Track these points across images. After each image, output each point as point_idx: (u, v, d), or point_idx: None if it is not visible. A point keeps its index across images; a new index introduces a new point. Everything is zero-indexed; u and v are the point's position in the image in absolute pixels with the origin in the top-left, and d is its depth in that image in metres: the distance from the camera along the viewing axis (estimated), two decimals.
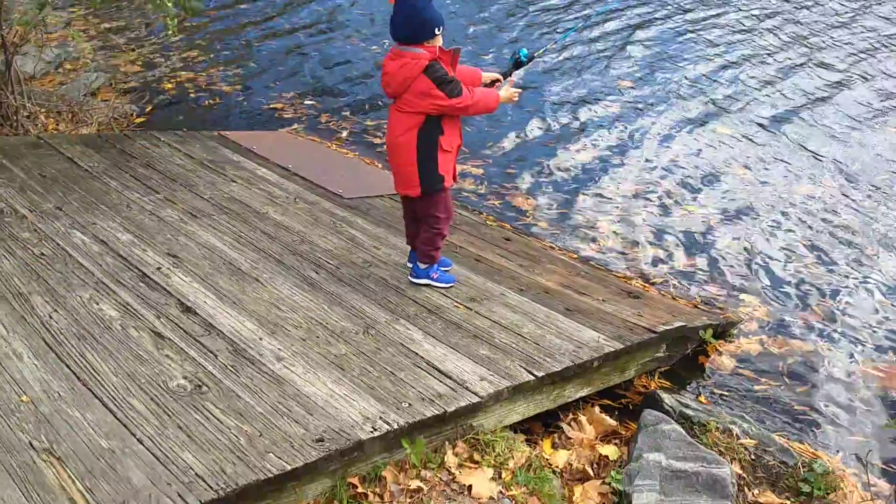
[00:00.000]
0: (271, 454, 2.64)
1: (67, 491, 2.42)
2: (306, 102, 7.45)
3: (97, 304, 3.53)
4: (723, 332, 4.41)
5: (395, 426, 2.92)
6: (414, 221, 4.09)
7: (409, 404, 3.05)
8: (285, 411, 2.89)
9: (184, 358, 3.17)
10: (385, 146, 4.09)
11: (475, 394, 3.19)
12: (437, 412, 3.04)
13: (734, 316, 4.57)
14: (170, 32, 6.73)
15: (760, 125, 7.06)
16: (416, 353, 3.42)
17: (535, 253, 5.00)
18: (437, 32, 3.71)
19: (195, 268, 3.98)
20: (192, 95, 7.53)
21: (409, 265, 4.19)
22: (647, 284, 4.83)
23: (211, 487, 2.46)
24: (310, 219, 4.83)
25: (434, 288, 4.06)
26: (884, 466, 3.56)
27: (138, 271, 3.87)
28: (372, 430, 2.87)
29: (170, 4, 6.29)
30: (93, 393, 2.89)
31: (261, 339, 3.38)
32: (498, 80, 4.05)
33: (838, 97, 7.74)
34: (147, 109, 7.19)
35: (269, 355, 3.26)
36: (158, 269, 3.92)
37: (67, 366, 3.04)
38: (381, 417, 2.94)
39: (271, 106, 7.37)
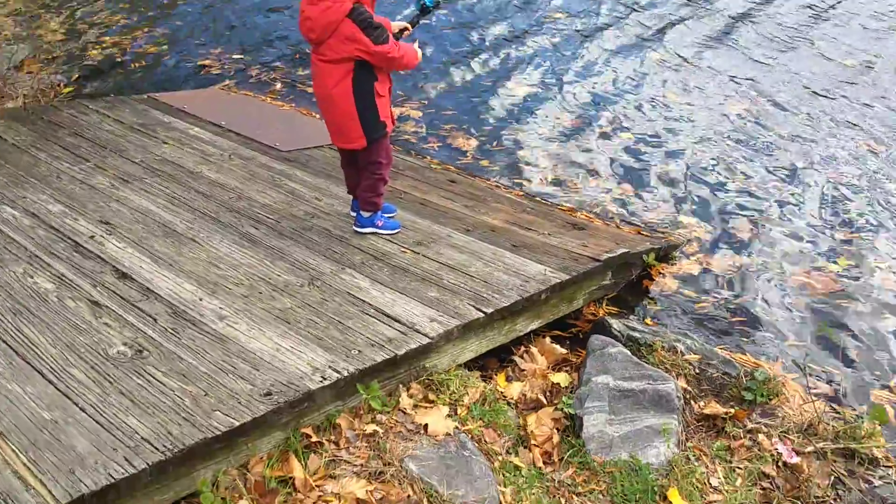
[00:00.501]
0: (218, 412, 2.62)
1: (11, 465, 2.37)
2: (235, 57, 7.27)
3: (31, 277, 3.43)
4: (665, 255, 4.45)
5: (346, 374, 2.90)
6: (354, 170, 4.02)
7: (359, 351, 3.04)
8: (230, 369, 2.86)
9: (122, 324, 3.11)
10: (315, 97, 3.97)
11: (425, 335, 3.18)
12: (388, 356, 3.04)
13: (675, 239, 4.61)
14: None
15: (686, 51, 7.06)
16: (364, 301, 3.40)
17: (480, 193, 4.98)
18: None
19: (129, 233, 3.88)
20: (119, 60, 7.29)
21: (353, 214, 4.14)
22: (591, 215, 4.85)
23: (157, 449, 2.43)
24: (246, 174, 4.74)
25: (380, 235, 4.02)
26: (821, 368, 3.66)
27: (71, 241, 3.77)
28: (322, 379, 2.85)
29: None
30: (31, 366, 2.82)
31: (201, 299, 3.33)
32: (406, 29, 3.93)
33: (759, 23, 7.76)
34: (74, 78, 6.96)
35: (211, 315, 3.21)
36: (92, 237, 3.82)
37: (4, 341, 2.96)
38: (330, 366, 2.93)
39: (200, 63, 7.17)
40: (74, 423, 2.54)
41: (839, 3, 8.16)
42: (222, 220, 4.09)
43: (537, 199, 5.07)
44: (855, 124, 5.93)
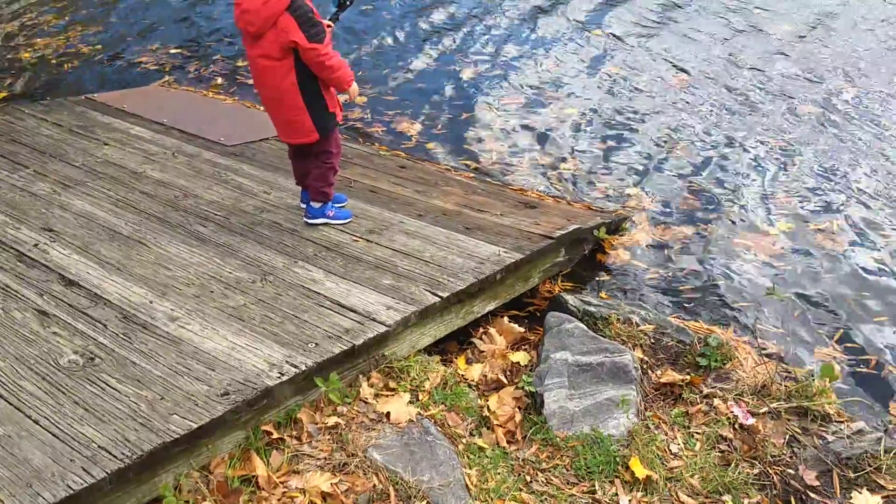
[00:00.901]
0: (175, 415, 2.58)
1: None
2: (172, 52, 7.16)
3: None
4: (616, 228, 4.50)
5: (304, 367, 2.89)
6: (302, 161, 3.97)
7: (316, 344, 3.02)
8: (185, 371, 2.82)
9: (72, 333, 3.04)
10: (258, 95, 3.89)
11: (382, 323, 3.18)
12: (346, 347, 3.03)
13: (624, 212, 4.67)
14: None
15: (626, 30, 7.13)
16: (319, 293, 3.38)
17: (430, 177, 4.96)
18: None
19: (74, 239, 3.80)
20: (53, 62, 7.12)
21: (303, 206, 4.10)
22: (541, 193, 4.88)
23: (115, 457, 2.39)
24: (191, 172, 4.67)
25: (331, 226, 3.99)
26: (771, 330, 3.74)
27: (14, 251, 3.67)
28: (279, 375, 2.83)
29: None
30: None
31: (151, 302, 3.27)
32: (329, 26, 3.84)
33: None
34: (7, 83, 6.77)
35: (162, 317, 3.16)
36: (35, 245, 3.73)
37: None
38: (287, 361, 2.91)
39: (137, 61, 7.05)
40: (28, 437, 2.49)
41: None
42: (169, 220, 4.03)
43: (488, 180, 5.07)
44: (790, 96, 6.04)
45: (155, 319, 3.15)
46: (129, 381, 2.75)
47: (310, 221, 4.01)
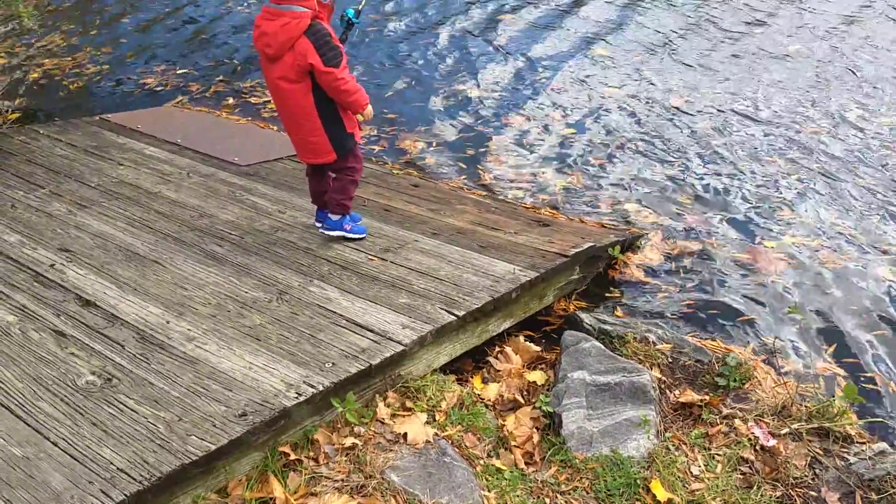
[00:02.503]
0: (193, 437, 2.57)
1: None
2: (182, 73, 7.22)
3: None
4: (629, 246, 4.49)
5: (321, 388, 2.87)
6: (319, 178, 3.99)
7: (333, 364, 3.01)
8: (202, 391, 2.81)
9: (90, 353, 3.04)
10: (277, 115, 3.91)
11: (399, 342, 3.16)
12: (363, 367, 3.01)
13: (637, 230, 4.66)
14: (25, 20, 6.33)
15: (627, 44, 7.16)
16: (335, 312, 3.37)
17: (443, 195, 4.97)
18: None
19: (90, 259, 3.81)
20: (64, 83, 7.19)
21: (318, 224, 4.11)
22: (554, 211, 4.87)
23: (135, 479, 2.38)
24: (206, 192, 4.68)
25: (347, 241, 3.99)
26: (791, 349, 3.72)
27: (31, 271, 3.68)
28: (296, 395, 2.82)
29: None
30: None
31: (168, 322, 3.27)
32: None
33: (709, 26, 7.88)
34: (19, 104, 6.81)
35: (179, 337, 3.16)
36: (52, 266, 3.74)
37: None
38: (304, 381, 2.89)
39: (150, 81, 7.10)
40: (47, 459, 2.48)
41: None
42: (185, 240, 4.03)
43: (500, 198, 5.07)
44: (796, 117, 6.03)
45: (172, 339, 3.14)
46: (147, 402, 2.75)
47: (327, 232, 4.01)
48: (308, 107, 3.66)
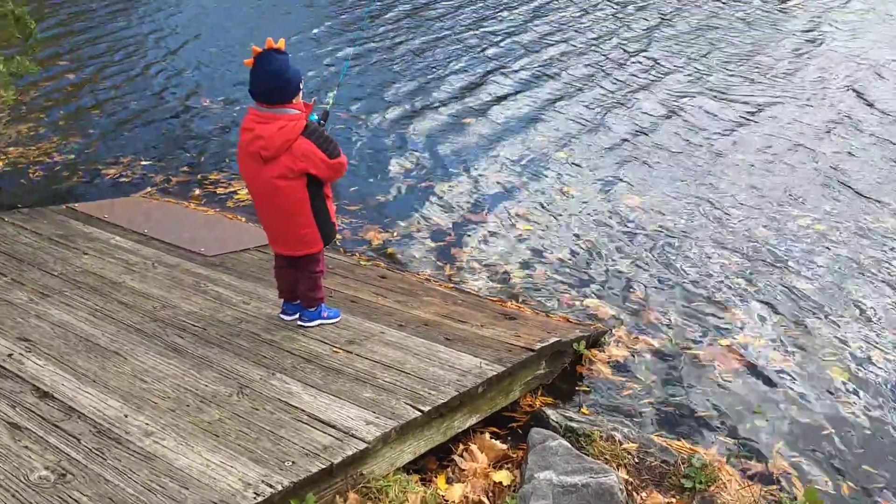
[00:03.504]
0: None
1: None
2: (153, 164, 7.28)
3: None
4: (595, 342, 4.52)
5: (280, 487, 2.80)
6: (289, 273, 4.03)
7: (293, 462, 2.94)
8: (158, 489, 2.73)
9: (44, 447, 2.95)
10: (256, 207, 3.94)
11: (362, 440, 3.11)
12: (324, 465, 2.94)
13: (602, 325, 4.70)
14: (4, 97, 6.37)
15: (590, 146, 7.39)
16: (297, 407, 3.32)
17: (411, 287, 4.98)
18: (301, 87, 3.69)
19: (49, 349, 3.74)
20: (30, 172, 7.20)
21: (285, 318, 4.13)
22: (520, 305, 4.90)
23: None
24: (170, 282, 4.65)
25: (311, 336, 3.97)
26: (755, 449, 3.73)
27: None
28: (254, 495, 2.74)
29: (2, 68, 5.93)
30: None
31: (126, 415, 3.20)
32: None
33: (685, 116, 8.18)
34: None
35: (137, 432, 3.08)
36: (10, 355, 3.65)
37: None
38: (263, 481, 2.82)
39: (118, 171, 7.15)
40: None
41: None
42: (147, 331, 3.98)
43: (467, 290, 5.10)
44: (738, 211, 6.21)
45: (129, 434, 3.06)
46: (101, 500, 2.65)
47: (306, 324, 4.06)
48: (303, 201, 3.75)
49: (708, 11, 11.54)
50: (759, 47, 10.05)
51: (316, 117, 3.93)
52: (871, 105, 8.21)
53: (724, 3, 11.92)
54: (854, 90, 8.58)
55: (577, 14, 11.51)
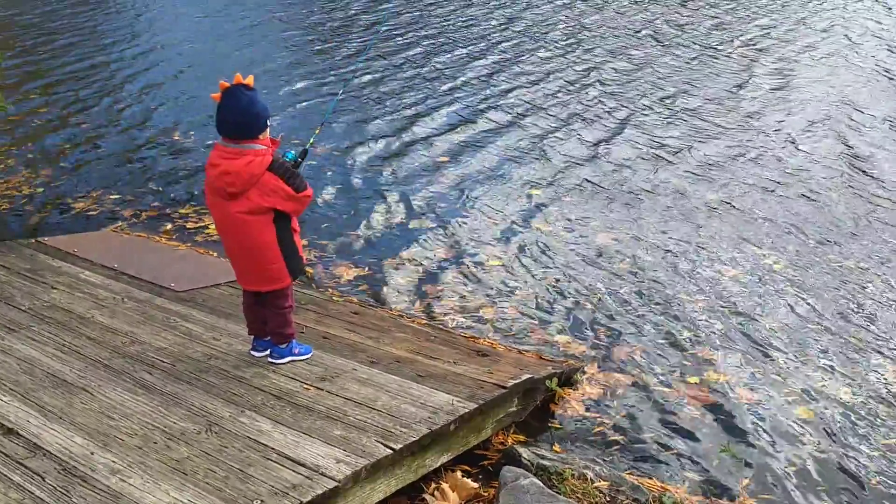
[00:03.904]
0: None
1: None
2: (123, 198, 7.27)
3: None
4: (567, 379, 4.53)
5: None
6: (261, 309, 4.00)
7: (262, 501, 2.90)
8: None
9: (8, 485, 2.89)
10: (223, 243, 3.95)
11: (331, 478, 3.07)
12: None
13: (574, 362, 4.72)
14: None
15: (563, 184, 7.50)
16: (266, 445, 3.28)
17: (383, 323, 4.97)
18: (268, 123, 3.70)
19: (15, 385, 3.68)
20: None
21: (256, 354, 4.10)
22: (493, 341, 4.91)
23: None
24: (140, 318, 4.60)
25: (282, 373, 3.94)
26: (724, 487, 3.76)
27: None
28: None
29: None
30: None
31: (92, 453, 3.14)
32: None
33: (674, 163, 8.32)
34: None
35: (103, 469, 3.03)
36: None
37: None
38: None
39: (88, 206, 7.11)
40: None
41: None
42: (114, 367, 3.93)
43: (440, 327, 5.10)
44: (707, 254, 6.31)
45: (95, 472, 3.01)
46: None
47: (276, 362, 4.02)
48: (269, 236, 3.75)
49: (681, 49, 11.81)
50: (728, 89, 10.29)
51: (293, 154, 3.95)
52: (845, 146, 8.44)
53: (697, 45, 12.21)
54: (827, 132, 8.81)
55: (555, 55, 11.72)
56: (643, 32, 12.84)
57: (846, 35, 12.94)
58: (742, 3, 15.10)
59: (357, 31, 13.05)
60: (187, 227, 6.63)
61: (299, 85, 10.37)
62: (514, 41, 12.44)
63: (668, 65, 11.24)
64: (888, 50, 12.11)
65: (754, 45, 12.32)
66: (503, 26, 13.23)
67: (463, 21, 13.50)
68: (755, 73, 10.96)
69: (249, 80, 3.66)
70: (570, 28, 13.09)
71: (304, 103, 9.61)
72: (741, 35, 12.76)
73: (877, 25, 13.53)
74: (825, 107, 9.61)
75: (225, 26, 13.74)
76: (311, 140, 4.20)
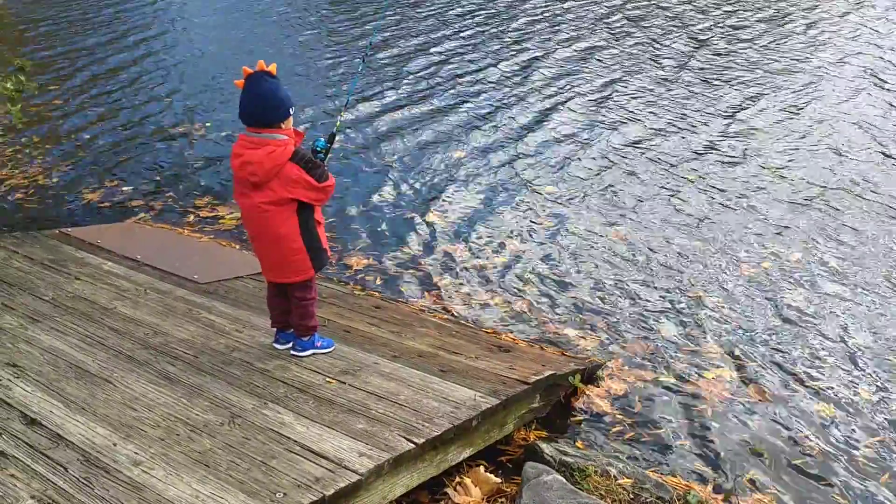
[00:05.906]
0: None
1: None
2: (146, 189, 7.28)
3: None
4: (590, 375, 4.49)
5: None
6: (282, 301, 4.00)
7: (284, 494, 2.89)
8: None
9: (31, 476, 2.90)
10: (248, 234, 3.96)
11: (354, 472, 3.06)
12: (316, 498, 2.89)
13: (597, 359, 4.68)
14: (14, 121, 6.36)
15: (574, 180, 7.42)
16: (289, 438, 3.27)
17: (405, 318, 4.95)
18: (291, 113, 3.69)
19: (38, 376, 3.69)
20: (22, 196, 7.16)
21: (279, 346, 4.10)
22: (515, 337, 4.88)
23: None
24: (163, 309, 4.61)
25: (304, 365, 3.93)
26: (750, 486, 3.70)
27: None
28: None
29: (9, 86, 5.88)
30: None
31: (115, 444, 3.15)
32: None
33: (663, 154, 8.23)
34: None
35: (125, 461, 3.03)
36: None
37: None
38: None
39: (113, 198, 7.13)
40: None
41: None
42: (138, 358, 3.94)
43: (462, 322, 5.07)
44: (734, 250, 6.23)
45: (118, 463, 3.01)
46: None
47: (299, 354, 4.02)
48: (293, 227, 3.74)
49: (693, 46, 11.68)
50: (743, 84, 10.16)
51: (323, 142, 3.95)
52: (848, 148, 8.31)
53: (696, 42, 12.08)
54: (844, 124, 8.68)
55: (579, 53, 11.61)
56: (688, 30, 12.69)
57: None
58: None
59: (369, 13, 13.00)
60: (211, 218, 6.64)
61: (320, 64, 10.33)
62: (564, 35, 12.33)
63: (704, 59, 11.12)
64: None
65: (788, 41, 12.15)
66: (556, 15, 13.12)
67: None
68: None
69: (272, 68, 3.66)
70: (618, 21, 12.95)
71: (322, 80, 9.55)
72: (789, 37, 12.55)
73: None
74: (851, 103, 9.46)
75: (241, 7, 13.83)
76: (338, 123, 4.21)
